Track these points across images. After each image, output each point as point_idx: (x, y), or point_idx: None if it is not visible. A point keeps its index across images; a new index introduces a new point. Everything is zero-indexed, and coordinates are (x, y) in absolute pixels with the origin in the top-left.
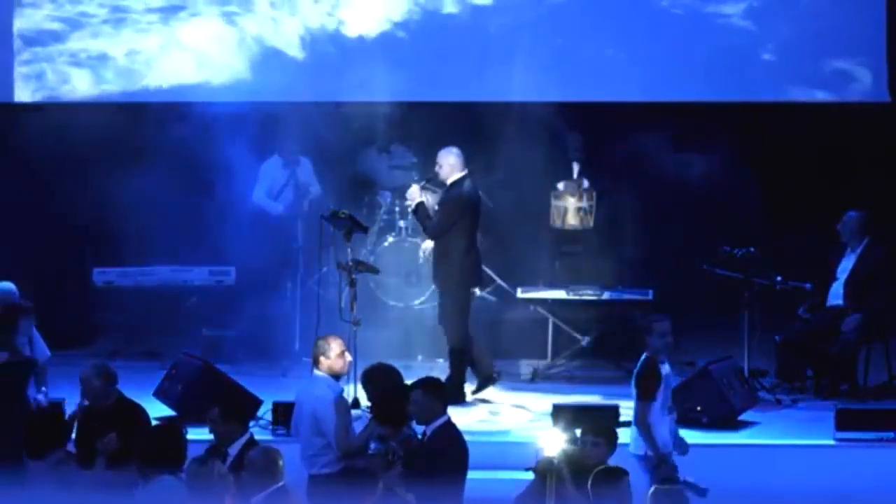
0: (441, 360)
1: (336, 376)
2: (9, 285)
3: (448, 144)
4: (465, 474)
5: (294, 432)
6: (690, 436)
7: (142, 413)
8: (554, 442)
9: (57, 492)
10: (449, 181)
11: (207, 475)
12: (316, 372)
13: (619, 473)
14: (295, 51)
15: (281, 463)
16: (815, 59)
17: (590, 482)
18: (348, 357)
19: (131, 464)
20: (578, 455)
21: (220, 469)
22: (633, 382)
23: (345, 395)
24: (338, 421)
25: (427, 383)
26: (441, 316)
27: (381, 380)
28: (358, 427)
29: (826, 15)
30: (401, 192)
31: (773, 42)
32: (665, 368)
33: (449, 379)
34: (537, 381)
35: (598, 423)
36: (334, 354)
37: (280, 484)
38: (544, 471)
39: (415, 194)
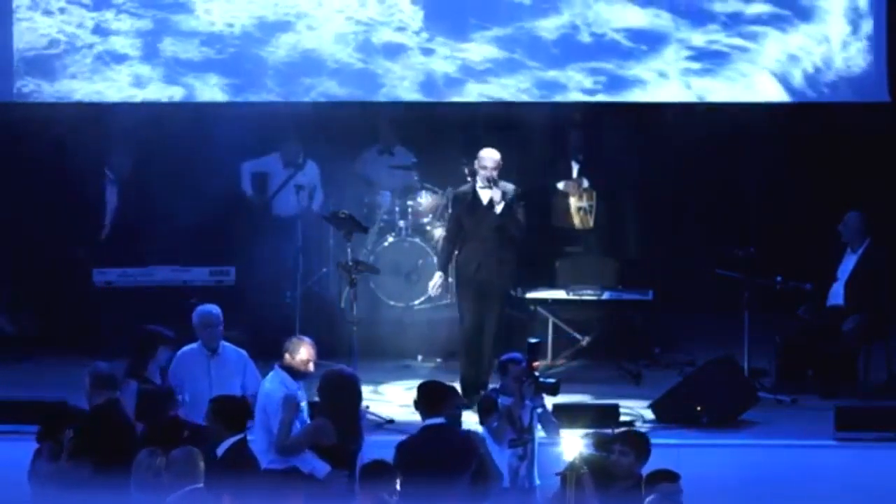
0: (439, 360)
1: (295, 376)
2: (210, 308)
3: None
4: (445, 479)
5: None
6: (690, 436)
7: (115, 420)
8: (576, 446)
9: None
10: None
11: (146, 467)
12: (277, 366)
13: (672, 478)
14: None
15: (201, 464)
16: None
17: (643, 486)
18: (311, 368)
19: (88, 461)
20: (604, 462)
21: (159, 465)
22: None
23: (300, 395)
24: (282, 418)
25: (419, 387)
26: (500, 321)
27: (335, 392)
28: None
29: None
30: (400, 193)
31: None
32: (517, 406)
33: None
34: None
35: (631, 432)
36: (299, 359)
37: (198, 485)
38: (568, 475)
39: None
